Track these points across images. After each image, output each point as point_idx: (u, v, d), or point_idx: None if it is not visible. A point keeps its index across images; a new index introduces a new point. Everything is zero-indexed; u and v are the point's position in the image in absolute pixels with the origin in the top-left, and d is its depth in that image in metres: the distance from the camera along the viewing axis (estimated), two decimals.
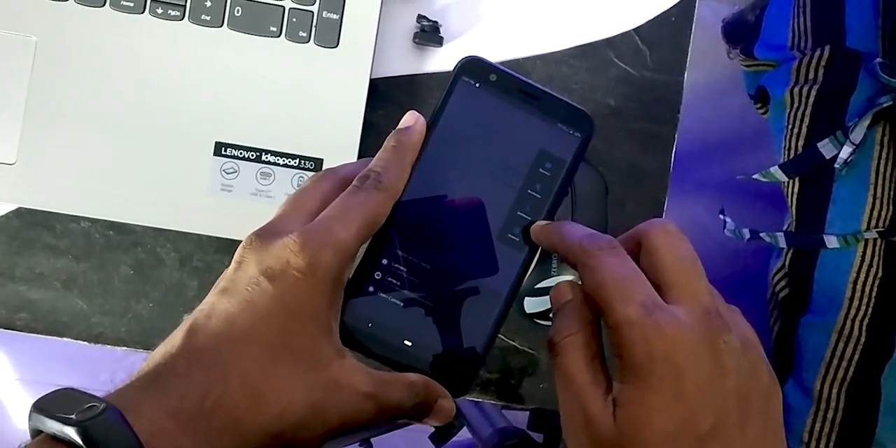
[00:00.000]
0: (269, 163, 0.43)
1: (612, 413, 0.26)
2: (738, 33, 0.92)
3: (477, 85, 0.33)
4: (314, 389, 0.26)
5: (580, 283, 0.29)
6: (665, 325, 0.25)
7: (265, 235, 0.28)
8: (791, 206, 0.72)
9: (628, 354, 0.26)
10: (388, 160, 0.31)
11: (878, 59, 0.66)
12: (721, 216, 0.78)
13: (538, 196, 0.33)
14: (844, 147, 0.65)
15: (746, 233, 0.75)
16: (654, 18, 0.49)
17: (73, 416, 0.22)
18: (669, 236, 0.28)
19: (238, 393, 0.25)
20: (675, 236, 0.28)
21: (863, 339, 0.65)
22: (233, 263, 0.28)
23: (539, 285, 0.44)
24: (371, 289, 0.32)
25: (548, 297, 0.44)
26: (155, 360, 0.26)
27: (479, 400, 0.48)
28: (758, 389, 0.27)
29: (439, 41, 0.47)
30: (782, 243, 0.72)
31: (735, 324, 0.27)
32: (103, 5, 0.41)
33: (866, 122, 0.64)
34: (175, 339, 0.27)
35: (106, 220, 0.44)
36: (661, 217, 0.49)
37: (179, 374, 0.25)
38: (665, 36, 0.49)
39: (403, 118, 0.33)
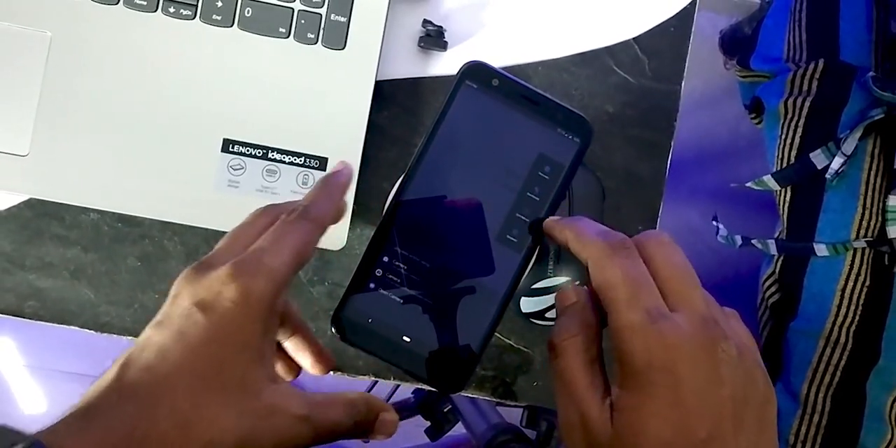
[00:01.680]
0: (275, 160, 0.42)
1: (609, 417, 0.26)
2: (735, 45, 0.91)
3: (479, 89, 0.33)
4: (245, 417, 0.26)
5: (584, 286, 0.29)
6: (667, 334, 0.25)
7: (200, 269, 0.28)
8: (782, 214, 0.72)
9: (629, 361, 0.25)
10: (316, 195, 0.32)
11: (871, 73, 0.65)
12: (714, 222, 0.78)
13: (536, 199, 0.32)
14: (836, 158, 0.65)
15: (738, 239, 0.75)
16: (653, 28, 0.49)
17: None
18: (664, 246, 0.28)
19: (167, 423, 0.25)
20: (669, 247, 0.28)
21: (849, 346, 0.65)
22: (169, 297, 0.28)
23: (535, 286, 0.44)
24: (371, 285, 0.32)
25: (544, 297, 0.44)
26: (88, 395, 0.26)
27: (475, 396, 0.48)
28: (753, 396, 0.26)
29: (444, 46, 0.46)
30: (773, 250, 0.71)
31: (732, 331, 0.27)
32: (117, 3, 0.41)
33: (858, 134, 0.64)
34: (109, 374, 0.26)
35: (115, 213, 0.44)
36: (656, 222, 0.49)
37: (110, 407, 0.25)
38: (664, 46, 0.49)
39: (335, 165, 0.34)
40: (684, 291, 0.27)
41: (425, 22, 0.46)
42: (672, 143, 0.49)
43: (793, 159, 0.70)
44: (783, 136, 0.71)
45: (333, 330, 0.32)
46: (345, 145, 0.43)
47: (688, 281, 0.27)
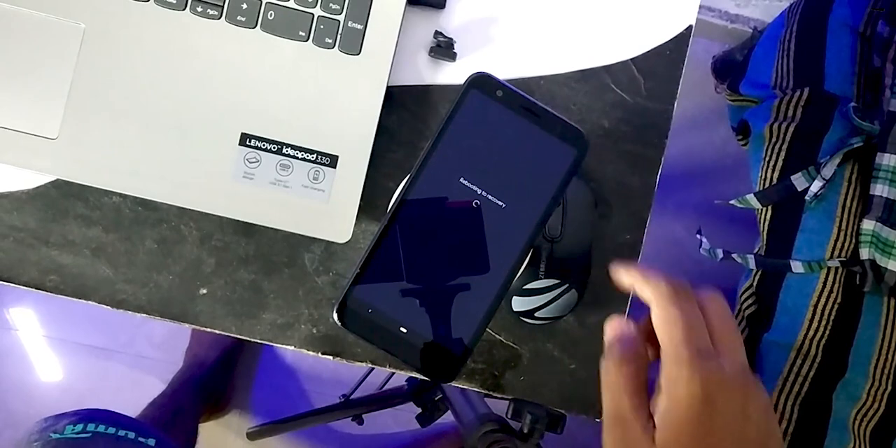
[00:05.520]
0: (288, 155, 0.42)
1: (651, 436, 0.28)
2: (726, 70, 0.91)
3: (484, 99, 0.32)
4: None
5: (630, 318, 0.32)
6: (712, 370, 0.27)
7: None
8: (762, 231, 0.71)
9: (675, 389, 0.27)
10: None
11: (853, 104, 0.65)
12: (698, 236, 0.77)
13: (533, 204, 0.32)
14: (815, 181, 0.64)
15: (720, 253, 0.74)
16: (650, 50, 0.49)
17: None
18: (715, 302, 0.31)
19: None
20: (720, 302, 0.31)
21: (819, 358, 0.64)
22: None
23: (527, 286, 0.43)
24: (373, 278, 0.31)
25: (534, 297, 0.44)
26: None
27: (465, 387, 0.48)
28: (771, 443, 0.28)
29: (453, 56, 0.46)
30: (752, 265, 0.71)
31: (758, 387, 0.29)
32: (148, 0, 0.41)
33: (837, 160, 0.64)
34: None
35: (136, 197, 0.43)
36: (643, 233, 0.49)
37: None
38: (659, 67, 0.49)
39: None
40: (730, 341, 0.29)
41: (437, 33, 0.46)
42: (662, 159, 0.49)
43: (775, 180, 0.69)
44: (767, 159, 0.71)
45: (336, 317, 0.32)
46: (355, 145, 0.42)
47: (734, 333, 0.30)
